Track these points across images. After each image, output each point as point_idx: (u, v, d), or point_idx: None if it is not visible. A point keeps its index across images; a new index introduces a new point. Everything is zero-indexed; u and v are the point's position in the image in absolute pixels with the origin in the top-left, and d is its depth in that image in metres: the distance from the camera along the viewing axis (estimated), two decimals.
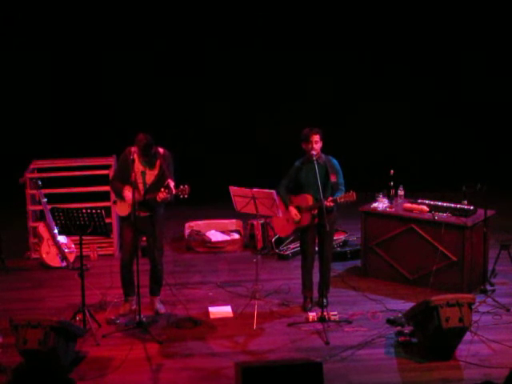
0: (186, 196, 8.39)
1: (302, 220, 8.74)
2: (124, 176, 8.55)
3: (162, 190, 8.39)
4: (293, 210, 8.73)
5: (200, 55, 12.67)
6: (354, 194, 8.42)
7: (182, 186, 8.39)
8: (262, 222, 10.57)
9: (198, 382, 7.52)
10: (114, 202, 8.84)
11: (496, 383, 6.47)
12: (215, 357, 7.94)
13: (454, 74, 13.01)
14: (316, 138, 8.62)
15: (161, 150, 8.62)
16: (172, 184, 8.42)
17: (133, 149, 8.56)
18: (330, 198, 8.49)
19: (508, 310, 8.75)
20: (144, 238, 8.99)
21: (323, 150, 8.71)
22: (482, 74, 12.96)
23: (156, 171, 8.57)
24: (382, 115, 12.94)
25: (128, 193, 8.47)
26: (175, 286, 9.57)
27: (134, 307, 8.70)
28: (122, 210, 8.68)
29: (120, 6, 12.37)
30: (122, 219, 8.80)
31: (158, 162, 8.57)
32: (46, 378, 7.51)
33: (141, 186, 8.55)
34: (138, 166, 8.54)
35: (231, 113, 12.81)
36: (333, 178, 8.67)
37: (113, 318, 8.72)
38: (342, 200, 8.46)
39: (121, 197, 8.60)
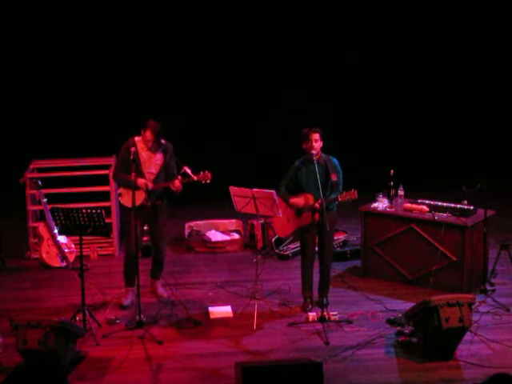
0: (208, 181, 8.47)
1: (302, 219, 8.74)
2: (128, 167, 8.61)
3: (180, 177, 8.49)
4: (295, 199, 8.70)
5: (200, 55, 12.67)
6: (356, 192, 8.42)
7: (202, 172, 8.46)
8: (262, 221, 10.57)
9: (198, 382, 7.52)
10: (119, 195, 8.84)
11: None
12: (215, 357, 7.94)
13: (453, 74, 13.02)
14: (316, 136, 8.61)
15: (163, 140, 8.74)
16: (189, 171, 8.47)
17: (136, 138, 8.64)
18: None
19: (508, 310, 8.75)
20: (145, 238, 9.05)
21: (324, 149, 8.71)
22: (482, 73, 12.99)
23: (160, 162, 8.65)
24: (381, 115, 12.95)
25: (141, 180, 8.58)
26: (175, 285, 9.57)
27: (132, 298, 8.73)
28: (129, 201, 8.64)
29: (121, 5, 12.40)
30: (127, 210, 8.74)
31: (161, 153, 8.66)
32: (46, 379, 7.51)
33: (147, 176, 8.66)
34: (143, 157, 8.62)
35: (232, 113, 12.80)
36: (333, 178, 8.66)
37: (113, 318, 8.72)
38: (344, 199, 8.46)
39: (131, 186, 8.55)
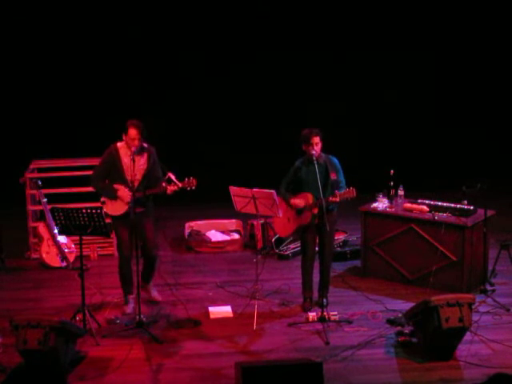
0: (193, 187, 8.39)
1: (302, 218, 8.74)
2: (110, 174, 8.55)
3: (164, 184, 8.39)
4: (296, 199, 8.70)
5: (200, 54, 12.68)
6: (354, 190, 8.41)
7: (187, 179, 8.39)
8: (262, 221, 10.57)
9: (197, 382, 7.52)
10: (103, 203, 8.74)
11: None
12: (215, 357, 7.94)
13: (454, 73, 13.02)
14: (316, 139, 8.62)
15: (145, 144, 8.62)
16: (173, 177, 8.40)
17: (119, 144, 8.57)
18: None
19: (508, 310, 8.75)
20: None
21: (324, 149, 8.71)
22: (481, 73, 12.99)
23: (144, 166, 8.57)
24: (381, 115, 12.95)
25: (124, 193, 8.47)
26: (175, 286, 9.58)
27: (133, 305, 8.72)
28: (114, 209, 8.64)
29: (121, 6, 12.41)
30: (114, 219, 8.74)
31: (145, 157, 8.57)
32: (46, 379, 7.51)
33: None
34: (125, 163, 8.50)
35: (231, 112, 12.80)
36: (333, 176, 8.67)
37: (113, 318, 8.72)
38: (342, 196, 8.46)
39: (112, 197, 8.56)
